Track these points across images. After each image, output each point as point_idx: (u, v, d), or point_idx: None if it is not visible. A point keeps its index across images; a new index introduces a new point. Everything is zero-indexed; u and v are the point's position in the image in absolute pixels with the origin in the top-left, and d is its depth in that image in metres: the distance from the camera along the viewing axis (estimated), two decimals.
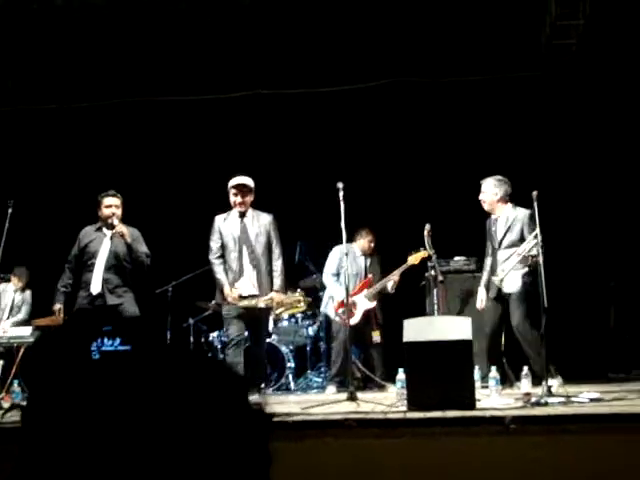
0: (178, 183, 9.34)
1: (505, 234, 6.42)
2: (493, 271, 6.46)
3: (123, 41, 8.62)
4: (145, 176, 9.37)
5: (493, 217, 6.58)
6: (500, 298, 6.42)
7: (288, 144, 9.19)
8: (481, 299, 6.62)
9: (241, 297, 6.14)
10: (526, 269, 6.14)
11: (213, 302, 8.43)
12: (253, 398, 0.89)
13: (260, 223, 6.29)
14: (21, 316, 8.47)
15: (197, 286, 8.32)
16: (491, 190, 6.51)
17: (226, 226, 6.31)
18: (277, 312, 6.25)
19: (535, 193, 5.63)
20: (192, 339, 8.40)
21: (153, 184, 9.37)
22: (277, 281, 6.19)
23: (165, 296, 8.31)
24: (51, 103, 9.35)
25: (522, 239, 6.24)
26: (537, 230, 5.78)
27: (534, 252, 5.86)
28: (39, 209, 9.19)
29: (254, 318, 6.26)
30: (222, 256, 6.27)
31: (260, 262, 6.19)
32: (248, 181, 6.35)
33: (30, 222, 8.74)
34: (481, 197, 6.59)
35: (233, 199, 6.37)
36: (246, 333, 6.26)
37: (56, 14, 8.24)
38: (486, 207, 6.58)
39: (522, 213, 6.39)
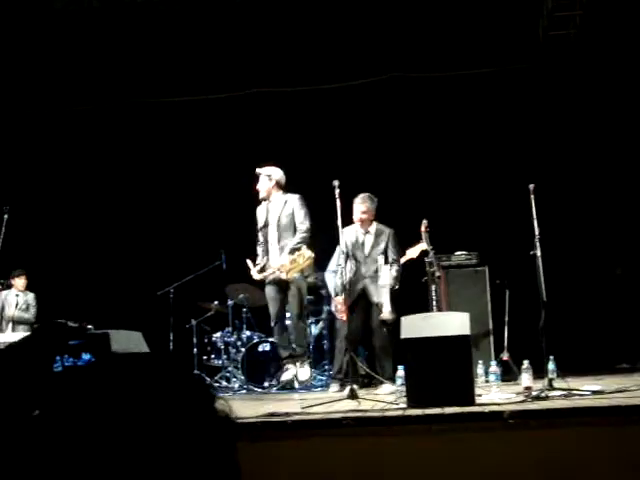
0: (177, 185, 9.35)
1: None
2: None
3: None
4: (141, 179, 9.39)
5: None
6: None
7: (286, 142, 9.16)
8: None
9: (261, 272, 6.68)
10: None
11: (216, 302, 8.45)
12: (218, 405, 0.87)
13: (285, 205, 6.68)
14: (27, 316, 8.53)
15: (199, 287, 8.31)
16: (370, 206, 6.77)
17: (259, 212, 6.87)
18: (288, 276, 6.45)
19: (532, 186, 5.60)
20: (195, 340, 8.39)
21: (151, 186, 9.38)
22: (286, 249, 6.56)
23: (167, 297, 8.30)
24: (53, 106, 9.35)
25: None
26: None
27: None
28: (36, 214, 9.19)
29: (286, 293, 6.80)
30: (264, 238, 6.83)
31: (283, 242, 6.64)
32: (261, 169, 6.80)
33: (27, 227, 8.77)
34: (363, 215, 6.77)
35: None
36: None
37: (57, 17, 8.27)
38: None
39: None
